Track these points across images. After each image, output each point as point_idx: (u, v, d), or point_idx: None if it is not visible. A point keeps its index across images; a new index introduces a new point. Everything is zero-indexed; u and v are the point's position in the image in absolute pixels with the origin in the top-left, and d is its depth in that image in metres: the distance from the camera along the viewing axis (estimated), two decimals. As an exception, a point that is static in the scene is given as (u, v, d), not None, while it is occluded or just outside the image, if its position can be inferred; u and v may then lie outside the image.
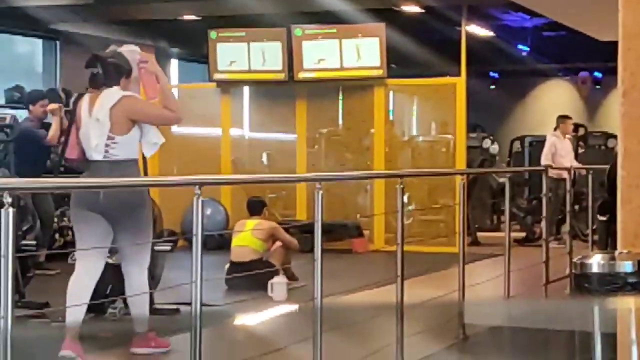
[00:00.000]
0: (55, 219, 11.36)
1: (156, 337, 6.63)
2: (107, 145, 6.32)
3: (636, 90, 4.12)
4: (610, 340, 3.94)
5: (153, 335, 6.61)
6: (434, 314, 7.93)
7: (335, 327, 6.26)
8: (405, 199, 11.22)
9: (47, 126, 10.16)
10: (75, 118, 6.48)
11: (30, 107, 10.49)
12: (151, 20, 14.77)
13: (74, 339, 6.25)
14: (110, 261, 7.76)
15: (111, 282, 7.77)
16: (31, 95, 10.89)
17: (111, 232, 6.40)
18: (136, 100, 6.48)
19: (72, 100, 6.60)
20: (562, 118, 14.89)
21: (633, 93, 4.13)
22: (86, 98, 6.46)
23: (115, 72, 6.46)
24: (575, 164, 13.99)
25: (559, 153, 14.28)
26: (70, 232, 11.68)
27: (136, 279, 6.52)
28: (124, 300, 7.67)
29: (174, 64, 17.70)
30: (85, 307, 6.36)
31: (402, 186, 6.58)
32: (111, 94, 6.36)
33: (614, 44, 4.23)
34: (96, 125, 6.31)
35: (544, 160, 14.08)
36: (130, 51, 6.65)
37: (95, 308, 7.68)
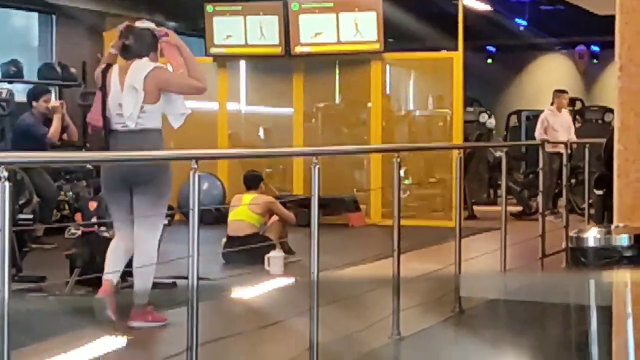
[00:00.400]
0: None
1: (153, 312, 6.65)
2: (139, 115, 6.50)
3: (633, 65, 4.12)
4: (606, 313, 3.96)
5: (151, 309, 6.63)
6: (430, 288, 7.96)
7: (332, 301, 6.28)
8: (402, 173, 11.25)
9: (49, 121, 10.08)
10: (106, 86, 6.58)
11: (34, 103, 10.39)
12: (147, -7, 14.75)
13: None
14: (107, 235, 7.79)
15: (108, 256, 7.79)
16: (35, 91, 10.80)
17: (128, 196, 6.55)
18: (166, 72, 6.65)
19: (99, 70, 6.70)
20: (558, 92, 14.87)
21: (630, 67, 4.13)
22: (116, 68, 6.61)
23: (146, 44, 6.64)
24: (574, 138, 13.99)
25: (552, 127, 14.27)
26: (66, 206, 11.69)
27: (147, 245, 6.56)
28: (121, 275, 7.69)
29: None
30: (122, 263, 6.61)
31: (398, 160, 6.58)
32: (143, 65, 6.54)
33: (612, 17, 4.22)
34: (132, 94, 6.47)
35: (537, 135, 14.10)
36: (146, 27, 6.76)
37: (93, 282, 7.70)
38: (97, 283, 7.62)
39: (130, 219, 6.54)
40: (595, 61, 23.81)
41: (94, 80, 6.89)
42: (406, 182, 13.86)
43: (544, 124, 14.27)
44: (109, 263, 6.64)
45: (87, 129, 13.29)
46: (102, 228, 7.88)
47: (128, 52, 6.63)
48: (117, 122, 6.54)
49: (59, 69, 14.46)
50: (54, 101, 10.42)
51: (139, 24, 6.81)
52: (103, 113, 6.55)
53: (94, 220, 7.96)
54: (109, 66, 6.67)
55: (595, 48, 23.56)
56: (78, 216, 8.60)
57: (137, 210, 6.56)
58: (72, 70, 14.60)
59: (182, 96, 6.75)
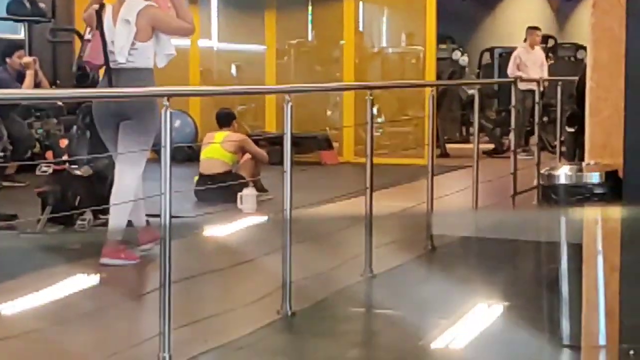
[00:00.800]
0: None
1: (126, 249, 6.64)
2: (131, 50, 6.59)
3: (606, 2, 4.10)
4: (577, 250, 3.99)
5: (123, 247, 6.63)
6: (402, 225, 8.00)
7: (305, 239, 6.30)
8: (375, 111, 11.22)
9: (23, 77, 9.98)
10: (101, 26, 6.66)
11: (7, 59, 10.34)
12: None
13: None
14: (78, 173, 7.76)
15: (80, 194, 7.77)
16: (8, 47, 10.71)
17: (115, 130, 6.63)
18: (158, 10, 6.69)
19: (92, 10, 6.75)
20: (530, 29, 14.85)
21: (603, 4, 4.11)
22: (109, 7, 6.71)
23: None
24: (546, 75, 14.00)
25: (525, 64, 14.28)
26: (37, 144, 11.61)
27: (126, 179, 6.59)
28: (93, 213, 7.67)
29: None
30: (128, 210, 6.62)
31: (371, 98, 6.56)
32: (137, 1, 6.63)
33: (586, -46, 4.20)
34: (125, 27, 6.58)
35: (510, 72, 14.09)
36: None
37: (64, 220, 7.68)
38: (68, 221, 7.62)
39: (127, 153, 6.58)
40: (568, -2, 23.79)
41: (84, 20, 6.87)
42: (379, 120, 13.85)
43: (516, 61, 14.27)
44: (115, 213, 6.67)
45: (57, 65, 13.20)
46: (74, 165, 7.84)
47: None
48: (111, 59, 6.63)
49: (28, 5, 14.24)
50: (27, 57, 10.33)
51: None
52: (104, 50, 6.62)
53: (65, 157, 7.92)
54: (102, 6, 6.74)
55: (568, -15, 23.52)
56: (49, 154, 8.55)
57: (121, 145, 6.60)
58: (42, 5, 14.40)
59: (170, 37, 6.80)
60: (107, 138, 6.78)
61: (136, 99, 6.41)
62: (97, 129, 6.89)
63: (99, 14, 6.70)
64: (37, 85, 10.09)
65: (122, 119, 6.58)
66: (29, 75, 9.78)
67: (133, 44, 6.59)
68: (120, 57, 6.60)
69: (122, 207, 6.52)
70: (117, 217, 6.66)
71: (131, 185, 6.61)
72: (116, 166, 6.74)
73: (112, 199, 6.64)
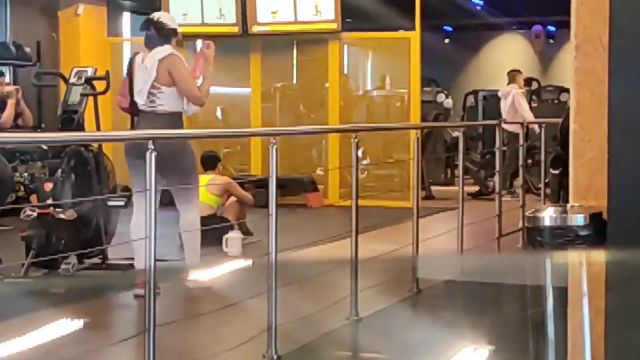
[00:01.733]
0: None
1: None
2: (152, 94, 6.98)
3: (589, 44, 4.13)
4: (562, 293, 3.98)
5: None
6: (388, 268, 7.98)
7: (290, 282, 6.28)
8: (360, 154, 11.25)
9: (4, 105, 9.95)
10: (132, 70, 7.12)
11: None
12: (103, -28, 14.59)
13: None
14: (63, 216, 7.73)
15: (64, 238, 7.74)
16: None
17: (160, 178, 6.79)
18: (180, 61, 7.10)
19: (129, 58, 7.36)
20: (513, 72, 14.93)
21: (586, 47, 4.14)
22: (140, 55, 7.16)
23: (165, 33, 7.12)
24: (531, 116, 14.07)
25: (520, 105, 14.33)
26: (22, 188, 11.58)
27: (187, 215, 7.12)
28: (78, 256, 7.64)
29: (126, 17, 17.49)
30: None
31: (356, 140, 6.58)
32: (162, 50, 7.06)
33: (568, -3, 4.23)
34: (144, 71, 6.99)
35: (528, 115, 13.97)
36: (171, 18, 7.40)
37: (48, 264, 7.64)
38: (52, 265, 7.58)
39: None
40: (551, 41, 23.94)
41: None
42: (364, 162, 13.88)
43: (522, 101, 14.25)
44: (138, 252, 6.81)
45: (42, 109, 13.20)
46: (58, 209, 7.82)
47: (150, 42, 7.12)
48: (137, 99, 7.05)
49: (13, 49, 14.28)
50: (9, 86, 10.30)
51: (156, 14, 7.31)
52: (130, 95, 7.05)
53: (49, 201, 7.90)
54: (136, 54, 7.25)
55: (551, 28, 23.68)
56: (33, 198, 8.53)
57: (172, 191, 7.09)
58: (27, 49, 14.43)
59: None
60: (135, 179, 7.05)
61: (164, 142, 6.49)
62: (130, 172, 7.16)
63: (132, 61, 7.18)
64: (18, 115, 10.06)
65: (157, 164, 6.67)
66: (10, 104, 9.74)
67: (159, 88, 6.97)
68: (139, 99, 7.00)
69: (192, 239, 7.09)
70: (190, 247, 7.16)
71: (195, 217, 7.14)
72: (177, 206, 7.18)
73: (182, 230, 7.10)
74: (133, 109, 7.10)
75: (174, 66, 6.99)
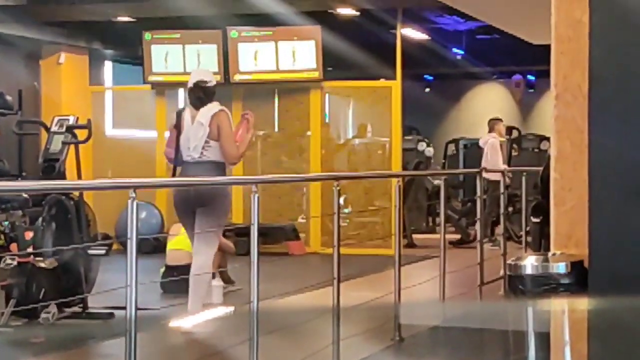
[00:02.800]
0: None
1: None
2: (203, 148, 7.69)
3: (569, 93, 4.17)
4: (544, 340, 3.98)
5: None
6: (370, 316, 7.95)
7: (272, 330, 6.24)
8: (342, 202, 11.26)
9: None
10: (179, 126, 7.83)
11: None
12: (85, 21, 14.61)
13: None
14: (43, 265, 7.69)
15: (44, 287, 7.69)
16: None
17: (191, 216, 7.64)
18: (228, 118, 7.82)
19: (176, 113, 8.07)
20: (494, 120, 15.02)
21: (566, 96, 4.18)
22: (188, 111, 7.87)
23: (212, 94, 7.89)
24: (506, 166, 14.14)
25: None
26: (2, 236, 11.50)
27: (202, 258, 7.59)
28: (58, 305, 7.58)
29: (108, 65, 17.53)
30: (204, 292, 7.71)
31: (338, 188, 6.59)
32: (212, 106, 7.81)
33: (547, 47, 4.27)
34: (199, 128, 7.69)
35: (500, 163, 14.07)
36: (210, 74, 8.20)
37: (28, 313, 7.58)
38: (32, 314, 7.52)
39: (201, 237, 7.61)
40: (531, 90, 24.10)
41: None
42: (346, 210, 13.88)
43: (498, 149, 14.34)
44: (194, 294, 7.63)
45: (23, 157, 13.16)
46: (39, 258, 7.78)
47: (201, 102, 7.82)
48: (187, 154, 7.72)
49: (-6, 97, 14.26)
50: None
51: (200, 77, 7.96)
52: (176, 147, 7.76)
53: (29, 250, 7.86)
54: (183, 109, 7.99)
55: (531, 77, 23.86)
56: (13, 246, 8.48)
57: (197, 227, 7.60)
58: (8, 98, 14.41)
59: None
60: (184, 223, 7.84)
61: (208, 188, 7.48)
62: (177, 214, 7.91)
63: (179, 115, 7.88)
64: None
65: (199, 206, 7.52)
66: None
67: (208, 142, 7.67)
68: (195, 153, 7.69)
69: (199, 280, 7.53)
70: (196, 288, 7.59)
71: (207, 262, 7.55)
72: (194, 245, 7.74)
73: (192, 273, 7.55)
74: (178, 160, 7.81)
75: (222, 122, 7.71)
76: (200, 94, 7.83)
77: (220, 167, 7.67)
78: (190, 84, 7.90)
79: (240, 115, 8.33)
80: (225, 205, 7.74)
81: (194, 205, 7.58)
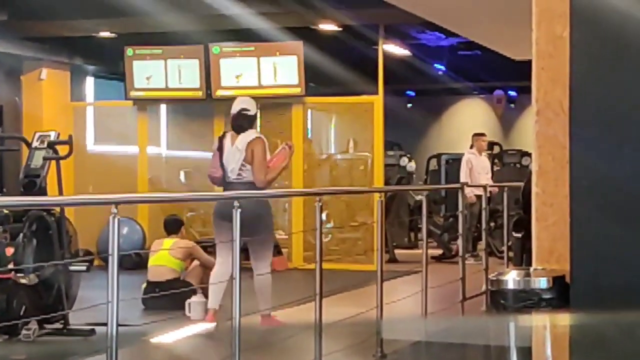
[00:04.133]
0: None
1: (275, 318, 8.48)
2: (240, 170, 8.53)
3: (550, 109, 4.19)
4: (526, 355, 3.99)
5: (274, 316, 8.47)
6: (352, 332, 7.94)
7: (254, 346, 6.23)
8: (324, 217, 11.25)
9: None
10: (221, 149, 8.66)
11: None
12: (67, 37, 14.59)
13: (214, 314, 8.43)
14: (24, 281, 7.65)
15: (25, 303, 7.65)
16: None
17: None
18: (262, 145, 8.60)
19: (218, 137, 8.95)
20: (477, 135, 15.06)
21: (547, 112, 4.19)
22: (228, 136, 8.73)
23: (251, 122, 8.78)
24: (491, 181, 14.15)
25: (476, 170, 14.44)
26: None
27: (261, 270, 8.34)
28: (39, 322, 7.54)
29: (89, 81, 17.50)
30: (222, 292, 8.32)
31: (320, 204, 6.59)
32: (250, 134, 8.65)
33: (528, 63, 4.29)
34: (236, 152, 8.55)
35: (463, 177, 14.21)
36: (253, 104, 8.92)
37: (8, 330, 7.54)
38: (12, 331, 7.48)
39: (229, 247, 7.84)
40: (512, 105, 24.18)
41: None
42: (328, 225, 13.88)
43: (468, 166, 14.42)
44: (212, 291, 8.46)
45: (4, 173, 13.13)
46: (19, 274, 7.74)
47: (241, 128, 8.66)
48: (227, 175, 8.59)
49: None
50: None
51: (242, 105, 8.77)
52: (220, 166, 8.61)
53: (10, 266, 7.81)
54: (225, 134, 8.83)
55: (512, 93, 23.94)
56: (-6, 262, 8.42)
57: (250, 246, 8.32)
58: (-11, 113, 14.39)
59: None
60: (218, 233, 8.48)
61: (253, 206, 7.80)
62: (214, 230, 8.66)
63: (222, 139, 8.72)
64: None
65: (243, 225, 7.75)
66: None
67: (245, 165, 8.51)
68: (232, 174, 8.53)
69: (264, 287, 8.30)
70: (263, 294, 8.33)
71: (268, 277, 8.32)
72: (252, 261, 8.43)
73: (256, 284, 8.23)
74: (222, 180, 8.64)
75: (256, 148, 8.52)
76: (242, 122, 8.69)
77: (254, 187, 8.43)
78: (234, 111, 8.76)
79: (283, 144, 9.23)
80: (268, 220, 8.60)
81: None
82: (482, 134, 15.24)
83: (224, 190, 8.54)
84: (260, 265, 8.44)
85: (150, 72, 14.38)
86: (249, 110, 8.76)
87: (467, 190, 11.93)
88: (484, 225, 10.69)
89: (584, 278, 3.83)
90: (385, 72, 13.73)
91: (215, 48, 14.08)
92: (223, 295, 9.46)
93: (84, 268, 8.16)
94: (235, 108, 8.78)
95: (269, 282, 8.44)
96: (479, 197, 13.30)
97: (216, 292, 8.41)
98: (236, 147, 8.58)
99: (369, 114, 13.94)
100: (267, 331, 7.90)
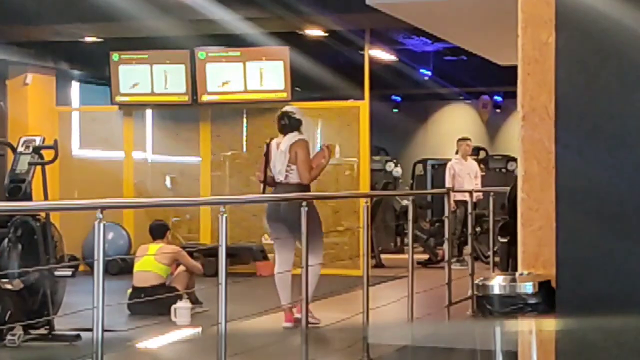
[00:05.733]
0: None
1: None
2: (287, 171, 8.99)
3: (536, 114, 4.20)
4: (513, 358, 3.99)
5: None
6: (339, 337, 7.95)
7: (240, 352, 6.22)
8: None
9: None
10: (267, 154, 9.16)
11: None
12: (52, 42, 14.55)
13: (289, 312, 8.68)
14: (9, 287, 7.62)
15: (10, 308, 7.63)
16: None
17: (292, 234, 8.59)
18: (305, 146, 9.11)
19: (265, 144, 9.34)
20: (461, 140, 15.06)
21: (533, 117, 4.21)
22: (274, 141, 9.19)
23: (296, 123, 9.16)
24: (480, 185, 14.18)
25: (458, 175, 14.45)
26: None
27: (314, 262, 8.24)
28: (24, 327, 7.52)
29: (75, 86, 17.45)
30: (290, 290, 8.66)
31: (306, 209, 6.59)
32: (293, 136, 9.10)
33: (514, 68, 4.31)
34: (282, 156, 9.02)
35: (447, 184, 14.23)
36: (299, 111, 9.42)
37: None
38: (-2, 336, 7.45)
39: (287, 247, 8.86)
40: (498, 110, 24.22)
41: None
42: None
43: (451, 172, 14.44)
44: (282, 293, 8.80)
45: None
46: (4, 279, 7.71)
47: (285, 129, 9.13)
48: (276, 177, 9.04)
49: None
50: None
51: (288, 108, 9.36)
52: (265, 170, 9.12)
53: (-5, 271, 7.78)
54: (272, 139, 9.26)
55: (498, 98, 23.98)
56: (-21, 268, 8.39)
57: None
58: (-26, 118, 14.34)
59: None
60: (275, 234, 9.03)
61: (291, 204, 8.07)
62: (271, 232, 9.26)
63: (268, 145, 9.19)
64: None
65: (288, 224, 8.56)
66: None
67: (290, 166, 8.97)
68: (280, 176, 9.00)
69: (313, 279, 8.16)
70: (311, 285, 7.96)
71: (317, 268, 8.44)
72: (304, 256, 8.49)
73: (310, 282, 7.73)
74: (268, 182, 9.13)
75: (299, 149, 8.99)
76: (286, 121, 9.13)
77: (301, 188, 8.81)
78: (279, 113, 9.29)
79: (322, 145, 10.00)
80: (316, 219, 8.69)
81: (286, 222, 8.65)
82: (466, 138, 15.23)
83: (274, 191, 9.06)
84: (313, 260, 8.36)
85: (136, 77, 14.36)
86: (294, 112, 9.26)
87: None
88: (469, 230, 10.70)
89: (569, 283, 3.84)
90: (371, 77, 13.74)
91: (201, 53, 14.07)
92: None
93: (69, 273, 8.14)
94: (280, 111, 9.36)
95: (318, 272, 8.66)
96: (460, 202, 13.33)
97: (285, 289, 8.76)
98: (281, 150, 9.05)
99: (355, 119, 13.95)
100: (253, 336, 7.88)
